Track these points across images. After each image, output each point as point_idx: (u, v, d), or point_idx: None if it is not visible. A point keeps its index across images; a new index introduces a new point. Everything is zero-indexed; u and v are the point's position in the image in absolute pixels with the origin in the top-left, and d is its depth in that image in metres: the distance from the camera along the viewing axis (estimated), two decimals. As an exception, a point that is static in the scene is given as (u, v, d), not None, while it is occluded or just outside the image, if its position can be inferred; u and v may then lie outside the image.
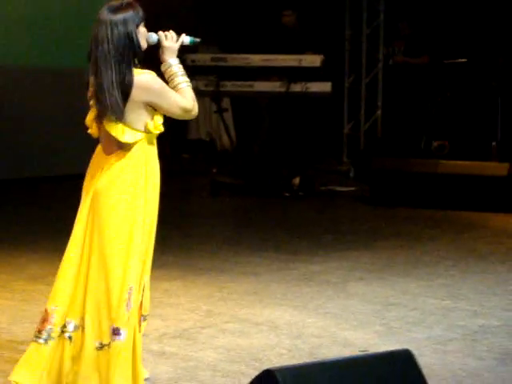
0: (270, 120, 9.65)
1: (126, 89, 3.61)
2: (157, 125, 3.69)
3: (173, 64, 3.75)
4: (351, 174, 10.32)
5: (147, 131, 3.68)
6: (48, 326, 3.61)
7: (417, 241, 6.87)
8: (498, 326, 4.75)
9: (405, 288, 5.47)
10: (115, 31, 3.62)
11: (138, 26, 3.65)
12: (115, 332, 3.59)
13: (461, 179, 8.27)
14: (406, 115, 10.45)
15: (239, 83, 9.14)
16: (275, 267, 5.99)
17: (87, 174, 3.75)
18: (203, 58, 9.25)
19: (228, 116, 10.69)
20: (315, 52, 9.10)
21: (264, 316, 4.86)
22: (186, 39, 3.82)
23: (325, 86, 9.04)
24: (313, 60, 8.97)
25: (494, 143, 9.25)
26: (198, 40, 3.90)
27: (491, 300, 5.17)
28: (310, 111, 10.41)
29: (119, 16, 3.63)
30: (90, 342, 3.60)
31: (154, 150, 3.78)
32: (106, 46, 3.62)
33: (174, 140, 11.18)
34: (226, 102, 10.59)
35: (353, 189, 9.49)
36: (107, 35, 3.62)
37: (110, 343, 3.58)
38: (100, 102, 3.62)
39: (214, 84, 9.01)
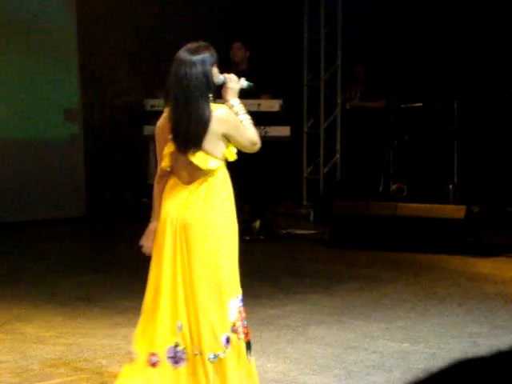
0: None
1: (204, 122, 4.01)
2: (232, 153, 4.11)
3: (235, 104, 4.18)
4: (311, 218, 10.38)
5: (224, 159, 4.10)
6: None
7: (376, 283, 6.90)
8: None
9: (364, 331, 5.49)
10: (194, 70, 4.04)
11: (212, 66, 4.09)
12: (227, 341, 4.05)
13: (419, 222, 8.36)
14: (365, 159, 10.57)
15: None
16: (235, 312, 5.97)
17: (166, 209, 4.10)
18: (162, 103, 9.28)
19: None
20: (272, 95, 9.17)
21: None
22: (244, 83, 4.26)
23: (284, 130, 9.13)
24: (271, 104, 9.05)
25: (450, 186, 9.39)
26: (252, 85, 4.32)
27: (450, 342, 5.20)
28: (270, 155, 10.49)
29: (198, 57, 4.06)
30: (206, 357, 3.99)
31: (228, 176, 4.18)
32: (185, 83, 4.02)
33: (134, 185, 11.17)
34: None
35: (313, 232, 9.53)
36: (187, 74, 4.03)
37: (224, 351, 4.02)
38: (181, 136, 4.04)
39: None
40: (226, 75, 4.19)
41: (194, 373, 4.00)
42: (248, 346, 4.13)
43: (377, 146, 10.31)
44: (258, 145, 4.20)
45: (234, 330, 4.09)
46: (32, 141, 10.01)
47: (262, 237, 8.96)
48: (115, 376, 4.50)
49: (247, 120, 4.18)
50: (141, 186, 11.22)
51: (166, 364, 4.00)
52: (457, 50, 10.50)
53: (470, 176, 9.64)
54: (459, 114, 9.52)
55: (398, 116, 9.94)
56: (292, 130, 9.26)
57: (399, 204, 8.72)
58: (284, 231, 9.43)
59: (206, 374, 3.98)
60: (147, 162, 11.27)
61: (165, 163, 4.11)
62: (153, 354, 4.01)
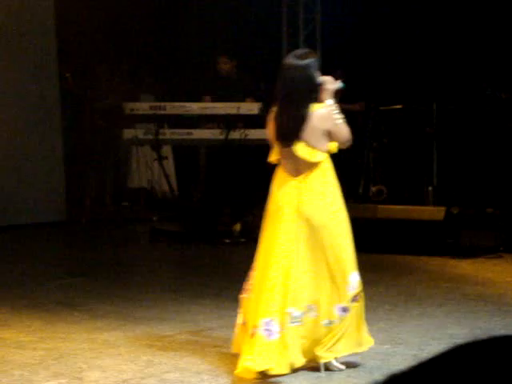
0: (209, 167, 9.69)
1: (302, 119, 4.53)
2: (334, 146, 4.65)
3: (330, 104, 4.64)
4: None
5: (327, 152, 4.64)
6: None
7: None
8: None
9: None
10: (300, 74, 4.55)
11: (316, 71, 4.61)
12: (343, 310, 4.63)
13: (399, 224, 8.38)
14: (344, 161, 10.58)
15: (178, 131, 9.19)
16: (216, 315, 5.98)
17: (274, 199, 4.64)
18: (142, 107, 9.29)
19: (169, 164, 10.71)
20: (255, 99, 9.19)
21: (205, 365, 4.84)
22: (339, 85, 4.74)
23: (263, 133, 9.09)
24: (251, 107, 9.07)
25: (430, 188, 9.42)
26: (344, 85, 4.81)
27: (430, 344, 5.22)
28: (250, 158, 10.50)
29: (305, 62, 4.59)
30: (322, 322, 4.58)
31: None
32: (292, 86, 4.55)
33: (115, 188, 11.14)
34: (167, 150, 10.62)
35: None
36: (294, 77, 4.55)
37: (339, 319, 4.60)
38: (281, 132, 4.57)
39: (154, 132, 9.04)
40: (324, 77, 4.66)
41: (286, 342, 4.49)
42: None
43: (356, 148, 10.33)
44: (350, 141, 4.71)
45: (355, 300, 4.68)
46: (10, 145, 9.94)
47: (242, 239, 8.94)
48: (95, 381, 4.49)
49: (341, 119, 4.65)
50: (121, 189, 11.20)
51: (259, 334, 4.51)
52: (435, 52, 10.55)
53: (450, 178, 9.68)
54: (438, 116, 9.57)
55: (378, 118, 9.98)
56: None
57: (379, 206, 8.75)
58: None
59: (319, 335, 4.59)
60: (127, 165, 11.25)
61: (273, 157, 4.67)
62: (257, 326, 4.54)
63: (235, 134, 9.00)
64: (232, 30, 11.15)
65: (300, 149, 4.56)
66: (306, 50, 4.76)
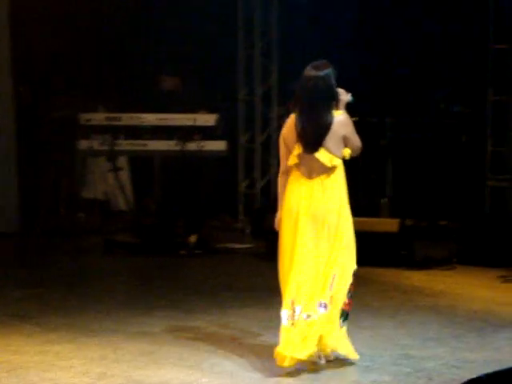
0: (165, 178, 9.68)
1: (326, 127, 4.90)
2: (348, 152, 5.01)
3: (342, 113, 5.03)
4: (247, 232, 10.40)
5: (342, 157, 5.01)
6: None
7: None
8: (389, 381, 4.84)
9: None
10: (323, 84, 4.93)
11: (334, 80, 4.95)
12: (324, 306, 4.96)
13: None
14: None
15: (134, 142, 9.17)
16: (170, 326, 5.97)
17: (290, 200, 5.00)
18: (98, 117, 9.26)
19: (124, 175, 10.67)
20: (207, 111, 9.22)
21: (158, 377, 4.83)
22: (350, 98, 5.09)
23: (220, 145, 9.16)
24: (207, 119, 9.08)
25: (384, 200, 9.50)
26: (353, 99, 5.13)
27: (382, 355, 5.26)
28: (206, 169, 10.51)
29: (325, 72, 4.96)
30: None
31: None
32: (313, 95, 4.93)
33: (69, 199, 11.05)
34: (123, 161, 10.57)
35: (249, 246, 9.55)
36: (314, 87, 4.92)
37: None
38: (306, 138, 4.93)
39: (109, 143, 9.01)
40: (339, 89, 5.02)
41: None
42: (345, 315, 5.05)
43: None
44: (361, 149, 5.10)
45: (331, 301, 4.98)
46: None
47: (198, 251, 8.94)
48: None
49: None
50: (76, 200, 11.11)
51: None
52: (388, 65, 10.65)
53: (404, 190, 9.77)
54: (392, 129, 9.67)
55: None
56: (228, 145, 9.28)
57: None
58: (220, 245, 9.43)
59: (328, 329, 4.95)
60: (83, 176, 11.18)
61: (292, 161, 4.98)
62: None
63: (191, 146, 9.00)
64: (187, 43, 11.16)
65: (321, 154, 4.92)
66: (323, 61, 5.03)
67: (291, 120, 5.04)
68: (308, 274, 4.97)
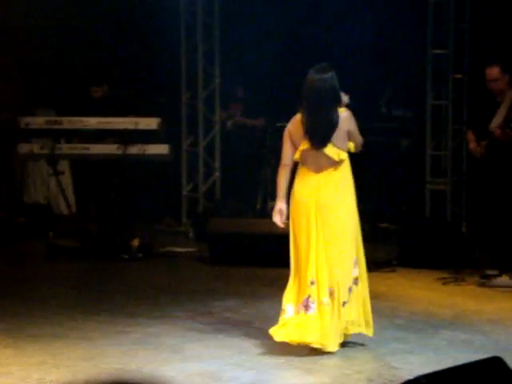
0: (107, 182, 9.60)
1: (334, 124, 5.37)
2: (352, 146, 5.48)
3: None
4: (191, 235, 10.38)
5: (348, 151, 5.45)
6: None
7: (254, 300, 6.95)
8: (329, 383, 4.87)
9: (241, 348, 5.53)
10: (328, 85, 5.38)
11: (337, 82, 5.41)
12: (349, 290, 5.40)
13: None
14: (243, 177, 10.66)
15: (75, 146, 9.08)
16: (111, 331, 5.92)
17: (298, 193, 5.47)
18: (37, 121, 9.14)
19: (66, 179, 10.56)
20: (135, 115, 9.21)
21: (99, 382, 4.78)
22: (348, 99, 5.50)
23: (162, 149, 9.11)
24: (149, 123, 9.03)
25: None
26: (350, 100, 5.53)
27: (323, 357, 5.27)
28: (149, 173, 10.46)
29: (329, 74, 5.41)
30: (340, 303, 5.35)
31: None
32: (319, 95, 5.36)
33: (10, 204, 10.91)
34: (64, 165, 10.47)
35: (192, 250, 9.53)
36: (323, 88, 5.37)
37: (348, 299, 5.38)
38: (316, 135, 5.38)
39: (50, 147, 8.91)
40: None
41: (323, 317, 5.26)
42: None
43: (255, 164, 10.42)
44: (362, 145, 5.52)
45: (355, 283, 5.44)
46: None
47: (140, 255, 8.90)
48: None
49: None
50: (16, 205, 10.98)
51: (302, 312, 5.31)
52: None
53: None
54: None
55: (275, 134, 10.08)
56: (171, 148, 9.25)
57: (277, 221, 8.81)
58: (163, 249, 9.39)
59: (339, 316, 5.32)
60: (23, 180, 11.05)
61: (297, 156, 5.46)
62: (297, 304, 5.34)
63: (133, 149, 8.95)
64: (129, 46, 11.13)
65: (329, 149, 5.36)
66: (325, 65, 5.47)
67: (297, 118, 5.48)
68: (331, 261, 5.36)
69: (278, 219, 5.59)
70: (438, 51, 10.16)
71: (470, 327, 6.02)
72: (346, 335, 5.47)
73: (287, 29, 11.03)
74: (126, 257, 8.82)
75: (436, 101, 10.27)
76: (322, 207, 5.37)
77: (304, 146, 5.43)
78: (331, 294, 5.32)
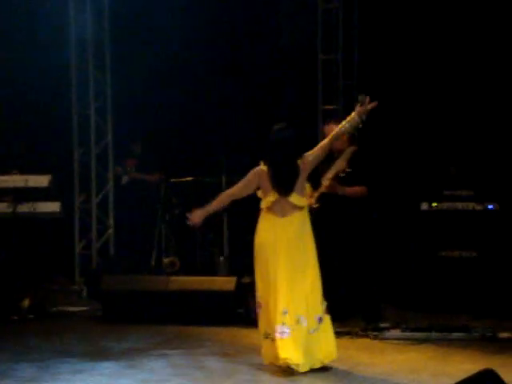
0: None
1: (296, 175, 6.27)
2: (309, 192, 6.64)
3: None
4: (84, 294, 10.19)
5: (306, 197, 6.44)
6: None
7: (146, 359, 6.83)
8: None
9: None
10: (291, 140, 6.28)
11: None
12: (320, 320, 6.22)
13: (191, 295, 8.40)
14: (138, 233, 10.56)
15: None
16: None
17: (265, 235, 6.26)
18: None
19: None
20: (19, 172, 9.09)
21: None
22: None
23: (54, 206, 8.98)
24: (40, 180, 8.90)
25: (221, 258, 9.56)
26: None
27: None
28: (41, 231, 10.25)
29: (290, 131, 6.33)
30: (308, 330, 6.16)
31: None
32: (285, 149, 6.26)
33: None
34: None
35: (85, 308, 9.35)
36: (287, 143, 6.26)
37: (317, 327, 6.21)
38: (286, 185, 6.25)
39: None
40: None
41: (296, 340, 6.06)
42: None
43: (149, 219, 10.35)
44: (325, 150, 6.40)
45: (326, 312, 6.26)
46: None
47: (31, 316, 8.67)
48: None
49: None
50: None
51: (278, 337, 6.07)
52: (225, 126, 10.81)
53: (240, 247, 9.84)
54: (227, 188, 9.73)
55: (169, 190, 10.06)
56: (63, 206, 9.11)
57: (171, 278, 8.77)
58: (55, 309, 9.18)
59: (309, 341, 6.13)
60: None
61: (265, 204, 6.27)
62: (274, 331, 6.10)
63: (23, 208, 8.78)
64: (20, 105, 10.98)
65: (293, 197, 6.21)
66: (285, 124, 6.33)
67: (263, 170, 6.28)
68: (299, 292, 6.13)
69: (193, 215, 6.44)
70: (328, 56, 10.44)
71: (363, 381, 6.05)
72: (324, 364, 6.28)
73: (183, 83, 11.08)
74: (16, 318, 8.59)
75: (325, 105, 10.41)
76: (290, 243, 6.17)
77: (273, 197, 6.23)
78: (301, 321, 6.10)
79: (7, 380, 6.15)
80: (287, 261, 6.14)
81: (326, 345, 6.25)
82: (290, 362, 6.01)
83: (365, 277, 7.90)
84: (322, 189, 7.74)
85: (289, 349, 6.02)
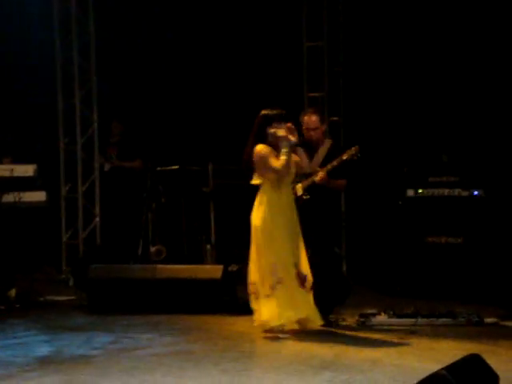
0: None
1: None
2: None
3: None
4: (70, 283, 10.18)
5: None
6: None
7: (134, 347, 6.84)
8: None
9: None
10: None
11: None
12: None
13: (178, 283, 8.41)
14: (124, 222, 10.55)
15: None
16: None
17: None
18: None
19: None
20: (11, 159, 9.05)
21: None
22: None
23: (39, 196, 8.95)
24: (25, 170, 8.87)
25: (208, 246, 9.57)
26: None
27: None
28: (27, 221, 10.22)
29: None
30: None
31: None
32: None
33: None
34: None
35: (72, 298, 9.34)
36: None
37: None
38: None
39: None
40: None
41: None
42: None
43: (135, 208, 10.34)
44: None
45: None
46: None
47: (18, 305, 8.66)
48: None
49: None
50: None
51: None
52: (205, 116, 10.80)
53: (228, 235, 9.86)
54: (214, 176, 9.76)
55: (155, 179, 10.04)
56: (49, 195, 9.08)
57: (158, 266, 8.77)
58: (42, 298, 9.17)
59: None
60: None
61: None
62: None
63: (9, 197, 8.75)
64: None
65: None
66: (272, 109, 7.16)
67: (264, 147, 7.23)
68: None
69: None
70: (313, 43, 10.41)
71: (350, 367, 6.07)
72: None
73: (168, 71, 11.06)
74: (3, 307, 8.57)
75: (311, 93, 10.43)
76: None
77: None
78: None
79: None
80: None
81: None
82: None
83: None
84: (317, 178, 7.62)
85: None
